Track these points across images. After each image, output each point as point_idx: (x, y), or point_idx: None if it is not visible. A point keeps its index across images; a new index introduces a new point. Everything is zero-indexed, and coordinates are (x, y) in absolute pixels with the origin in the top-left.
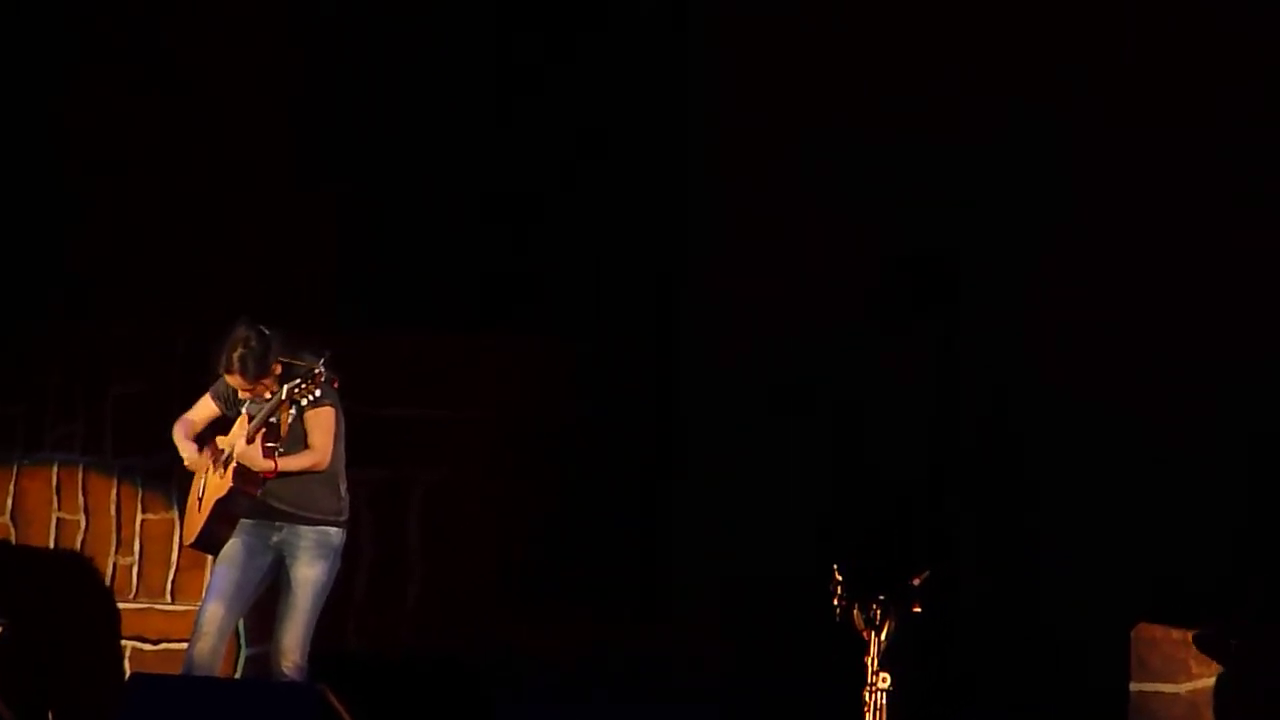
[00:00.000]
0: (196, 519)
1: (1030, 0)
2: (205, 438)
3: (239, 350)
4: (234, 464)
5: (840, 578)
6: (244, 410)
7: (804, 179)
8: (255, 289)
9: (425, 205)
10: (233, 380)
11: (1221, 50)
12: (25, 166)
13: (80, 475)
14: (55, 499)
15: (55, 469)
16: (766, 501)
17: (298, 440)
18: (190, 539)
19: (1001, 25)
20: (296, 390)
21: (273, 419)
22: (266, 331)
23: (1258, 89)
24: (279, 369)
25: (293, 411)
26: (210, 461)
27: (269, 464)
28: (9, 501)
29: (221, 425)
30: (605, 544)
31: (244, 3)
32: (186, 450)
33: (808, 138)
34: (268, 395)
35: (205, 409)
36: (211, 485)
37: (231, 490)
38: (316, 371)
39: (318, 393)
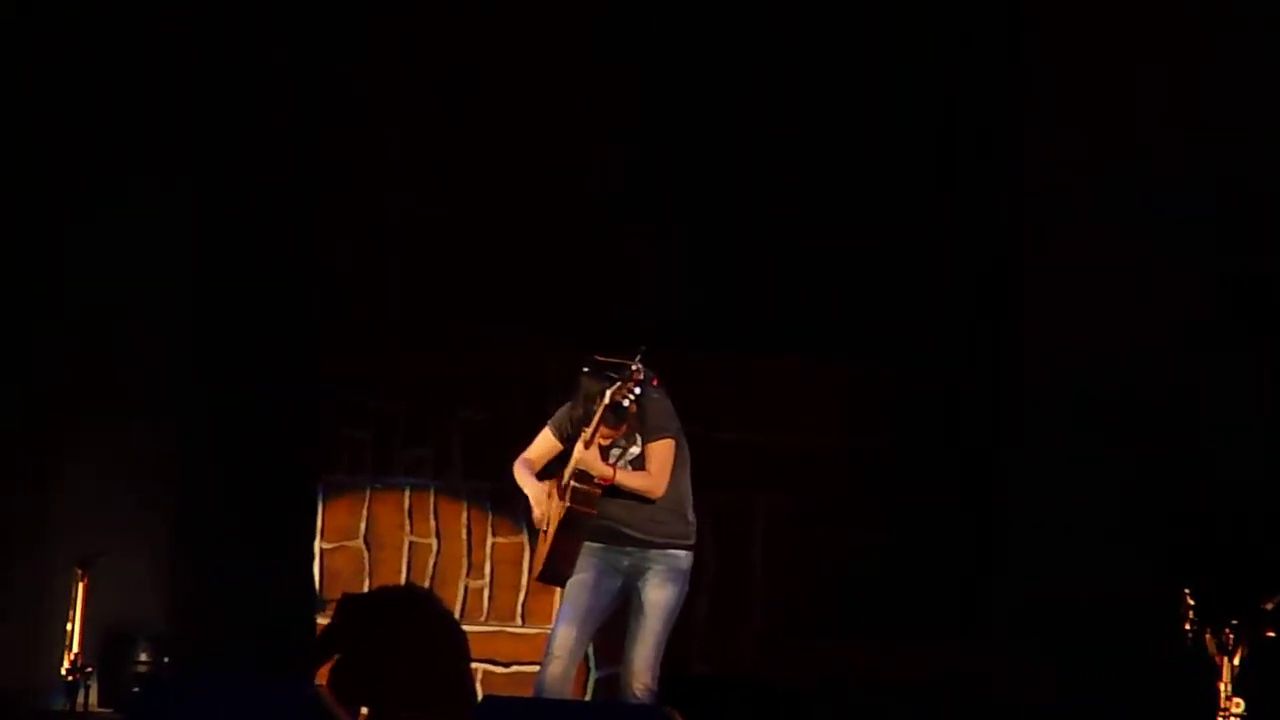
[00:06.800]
0: (541, 550)
1: None
2: (546, 474)
3: (602, 409)
4: (570, 483)
5: (1191, 601)
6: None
7: (1130, 199)
8: (581, 315)
9: (760, 229)
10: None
11: None
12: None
13: (431, 499)
14: (407, 523)
15: (407, 493)
16: (1090, 522)
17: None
18: (536, 573)
19: None
20: (617, 392)
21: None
22: (637, 392)
23: None
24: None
25: (623, 404)
26: (553, 492)
27: (608, 470)
28: (363, 525)
29: (562, 460)
30: (929, 564)
31: (563, 27)
32: (530, 487)
33: (1131, 155)
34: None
35: (544, 444)
36: (554, 513)
37: (569, 511)
38: (634, 369)
39: (637, 390)
